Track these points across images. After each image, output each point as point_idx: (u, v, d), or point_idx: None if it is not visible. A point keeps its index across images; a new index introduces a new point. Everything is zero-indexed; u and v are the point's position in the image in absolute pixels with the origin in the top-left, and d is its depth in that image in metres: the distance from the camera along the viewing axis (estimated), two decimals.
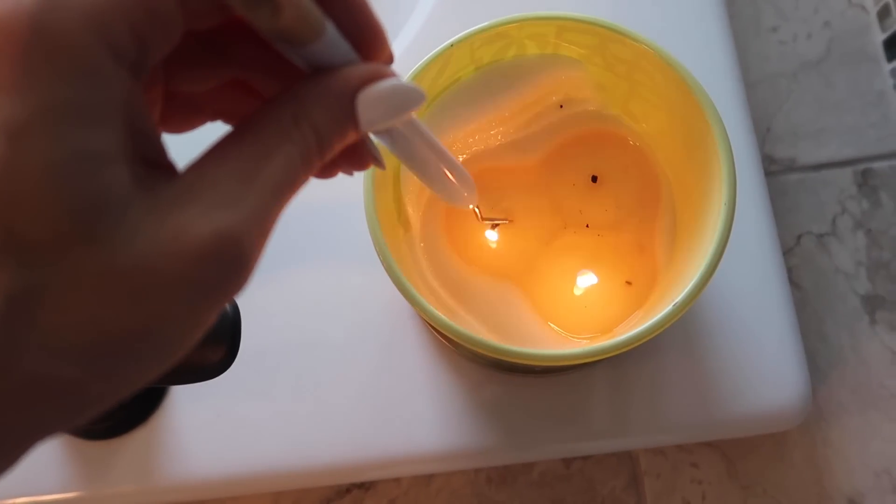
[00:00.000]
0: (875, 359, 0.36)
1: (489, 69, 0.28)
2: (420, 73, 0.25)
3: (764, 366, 0.32)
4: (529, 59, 0.28)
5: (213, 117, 0.17)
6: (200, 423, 0.33)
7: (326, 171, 0.17)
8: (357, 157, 0.17)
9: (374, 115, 0.15)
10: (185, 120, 0.17)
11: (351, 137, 0.16)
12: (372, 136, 0.18)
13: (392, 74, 0.16)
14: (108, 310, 0.12)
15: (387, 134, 0.18)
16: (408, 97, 0.16)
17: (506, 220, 0.29)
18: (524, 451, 0.33)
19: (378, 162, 0.18)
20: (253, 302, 0.32)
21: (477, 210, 0.27)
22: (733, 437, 0.34)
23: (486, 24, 0.26)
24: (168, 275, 0.13)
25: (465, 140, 0.29)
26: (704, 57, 0.36)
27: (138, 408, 0.34)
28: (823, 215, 0.38)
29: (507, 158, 0.29)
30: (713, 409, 0.32)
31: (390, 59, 0.17)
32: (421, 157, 0.19)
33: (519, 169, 0.29)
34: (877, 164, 0.38)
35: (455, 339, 0.24)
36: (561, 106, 0.29)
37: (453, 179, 0.21)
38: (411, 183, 0.28)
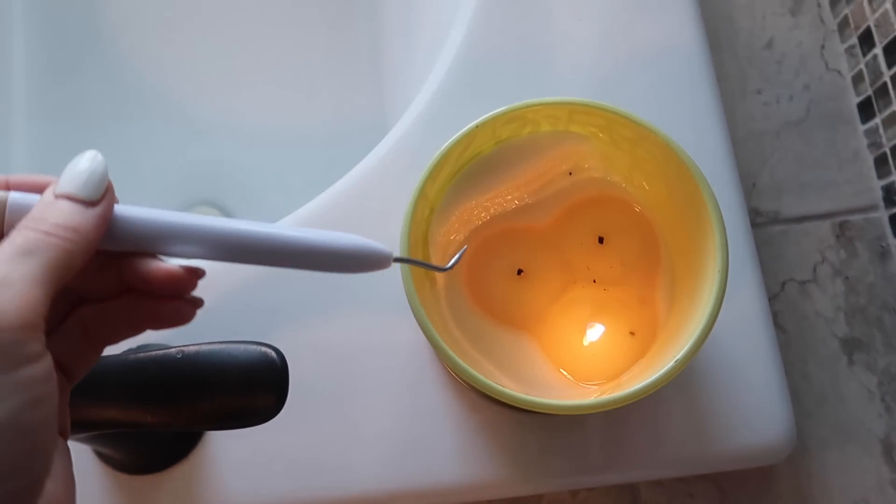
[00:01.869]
0: (853, 397, 0.39)
1: (507, 144, 0.31)
2: (449, 149, 0.29)
3: (753, 404, 0.35)
4: (543, 135, 0.31)
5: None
6: (238, 458, 0.35)
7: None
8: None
9: (84, 186, 0.19)
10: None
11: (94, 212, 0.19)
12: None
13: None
14: None
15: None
16: (96, 165, 0.20)
17: (463, 247, 0.29)
18: (534, 484, 0.36)
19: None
20: (292, 343, 0.35)
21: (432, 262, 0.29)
22: (726, 471, 0.38)
23: (506, 108, 0.29)
24: None
25: (484, 204, 0.32)
26: (696, 120, 0.39)
27: (179, 443, 0.36)
28: (805, 264, 0.41)
29: (521, 220, 0.33)
30: (707, 445, 0.35)
31: None
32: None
33: (532, 229, 0.33)
34: (853, 217, 0.42)
35: (477, 387, 0.27)
36: (570, 173, 0.33)
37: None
38: (437, 245, 0.31)
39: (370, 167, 0.38)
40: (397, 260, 0.22)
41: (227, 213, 0.74)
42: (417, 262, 0.23)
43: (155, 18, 0.75)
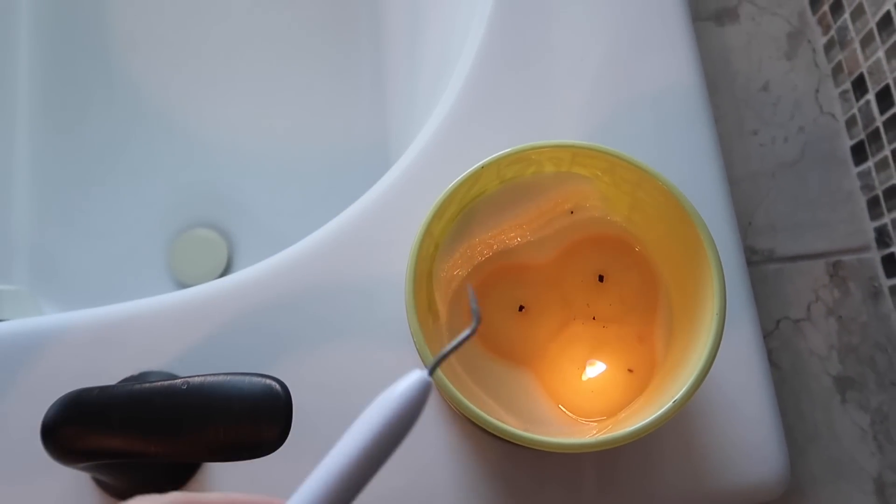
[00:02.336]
0: (846, 435, 0.40)
1: (511, 183, 0.32)
2: (455, 188, 0.30)
3: (747, 441, 0.36)
4: (546, 175, 0.32)
5: None
6: (236, 488, 0.35)
7: None
8: None
9: None
10: None
11: None
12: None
13: None
14: None
15: None
16: None
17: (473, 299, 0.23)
18: None
19: None
20: (295, 375, 0.35)
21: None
22: None
23: (512, 149, 0.30)
24: None
25: (487, 241, 0.33)
26: (694, 159, 0.40)
27: (178, 472, 0.36)
28: (799, 302, 0.42)
29: (523, 257, 0.33)
30: (701, 482, 0.35)
31: None
32: None
33: (534, 266, 0.33)
34: (846, 258, 0.43)
35: (478, 424, 0.27)
36: (571, 212, 0.33)
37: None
38: (440, 281, 0.32)
39: (376, 198, 0.39)
40: (433, 370, 0.19)
41: (226, 235, 0.74)
42: (450, 351, 0.19)
43: (161, 42, 0.76)
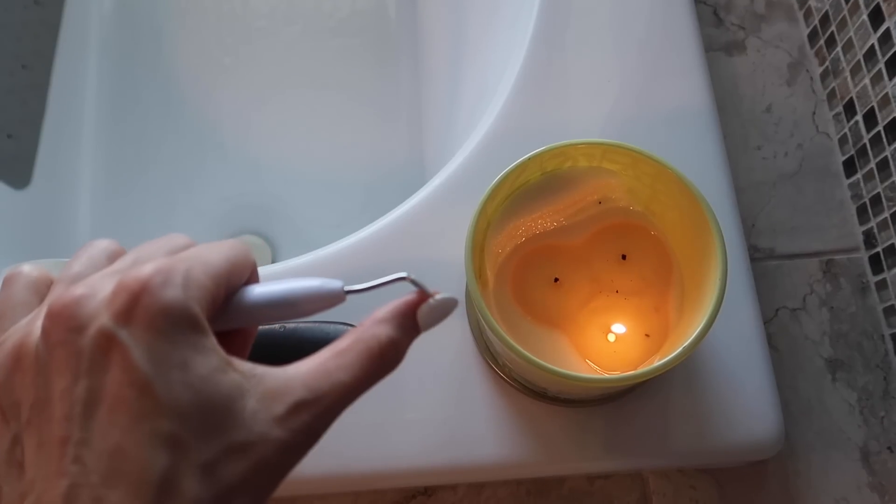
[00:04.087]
0: (836, 409, 0.45)
1: (551, 174, 0.39)
2: (506, 175, 0.36)
3: (748, 407, 0.41)
4: (580, 169, 0.38)
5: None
6: None
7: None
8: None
9: (429, 323, 0.23)
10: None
11: (412, 339, 0.23)
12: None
13: (431, 296, 0.23)
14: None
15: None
16: (448, 307, 0.23)
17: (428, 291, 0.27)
18: (557, 466, 0.42)
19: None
20: None
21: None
22: (724, 464, 0.43)
23: (552, 145, 0.36)
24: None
25: (529, 224, 0.39)
26: (705, 170, 0.46)
27: None
28: (796, 294, 0.48)
29: (558, 239, 0.40)
30: (707, 440, 0.41)
31: None
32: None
33: (567, 247, 0.40)
34: (838, 257, 0.49)
35: (521, 368, 0.33)
36: (600, 202, 0.40)
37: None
38: (490, 254, 0.38)
39: (424, 198, 0.45)
40: (349, 292, 0.23)
41: (270, 243, 0.81)
42: (375, 286, 0.24)
43: (216, 64, 0.84)
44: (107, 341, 0.18)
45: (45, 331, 0.19)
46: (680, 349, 0.33)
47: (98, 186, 0.79)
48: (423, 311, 0.23)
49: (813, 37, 0.54)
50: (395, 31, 0.83)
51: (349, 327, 0.36)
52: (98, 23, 0.85)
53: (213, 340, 0.20)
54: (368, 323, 0.22)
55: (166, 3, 0.86)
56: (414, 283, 0.24)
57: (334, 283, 0.23)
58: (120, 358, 0.18)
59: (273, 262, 0.79)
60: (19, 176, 0.74)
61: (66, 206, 0.78)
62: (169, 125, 0.81)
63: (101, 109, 0.82)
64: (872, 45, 0.46)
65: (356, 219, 0.79)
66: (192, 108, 0.82)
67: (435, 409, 0.41)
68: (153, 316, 0.18)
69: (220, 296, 0.21)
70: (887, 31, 0.44)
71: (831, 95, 0.52)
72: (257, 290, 0.22)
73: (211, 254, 0.21)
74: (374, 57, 0.83)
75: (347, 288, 0.23)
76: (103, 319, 0.18)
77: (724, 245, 0.35)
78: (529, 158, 0.36)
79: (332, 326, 0.36)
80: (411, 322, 0.23)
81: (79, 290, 0.19)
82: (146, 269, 0.19)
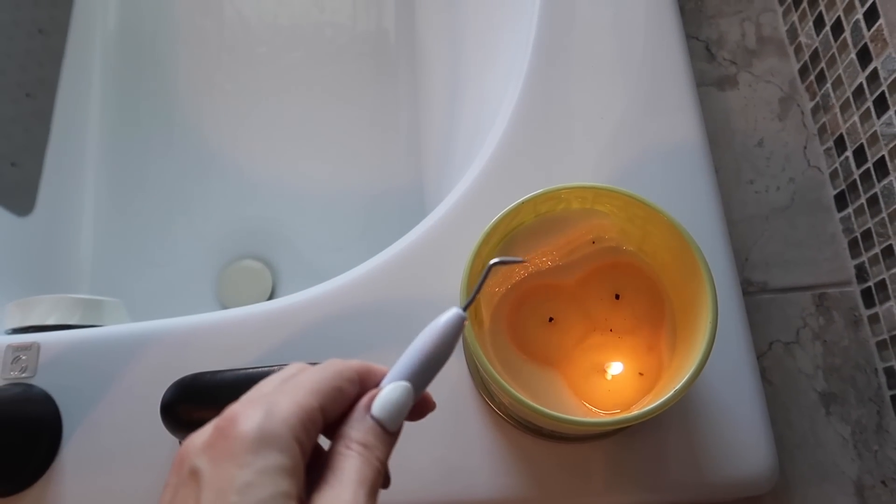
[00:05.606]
0: (830, 443, 0.46)
1: (545, 216, 0.39)
2: (500, 219, 0.37)
3: (742, 443, 0.42)
4: (573, 211, 0.39)
5: None
6: None
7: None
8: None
9: (390, 418, 0.25)
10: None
11: (391, 438, 0.25)
12: None
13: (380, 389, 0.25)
14: None
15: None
16: (405, 398, 0.25)
17: (520, 259, 0.33)
18: (554, 502, 0.42)
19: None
20: None
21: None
22: (720, 499, 0.44)
23: (546, 189, 0.37)
24: None
25: (524, 264, 0.40)
26: (697, 203, 0.47)
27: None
28: (789, 328, 0.48)
29: (553, 278, 0.40)
30: (701, 475, 0.41)
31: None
32: None
33: (562, 286, 0.40)
34: (830, 290, 0.49)
35: (516, 408, 0.34)
36: (593, 242, 0.41)
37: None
38: (485, 295, 0.39)
39: (422, 234, 0.46)
40: (466, 307, 0.27)
41: (271, 266, 0.82)
42: (477, 291, 0.28)
43: (217, 91, 0.85)
44: (192, 469, 0.22)
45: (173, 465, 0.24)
46: (671, 392, 0.33)
47: (100, 212, 0.80)
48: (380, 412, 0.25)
49: (804, 72, 0.54)
50: (395, 57, 0.84)
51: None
52: (101, 51, 0.86)
53: (291, 464, 0.22)
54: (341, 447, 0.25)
55: (169, 30, 0.87)
56: (503, 262, 0.29)
57: (453, 313, 0.26)
58: (194, 482, 0.22)
59: (273, 286, 0.80)
60: (23, 203, 0.75)
61: (69, 232, 0.79)
62: (171, 151, 0.82)
63: (103, 136, 0.83)
64: (861, 84, 0.47)
65: (357, 241, 0.80)
66: (194, 133, 0.83)
67: (432, 446, 0.42)
68: (229, 444, 0.22)
69: (315, 414, 0.23)
70: (875, 70, 0.45)
71: (822, 130, 0.53)
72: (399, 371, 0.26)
73: (303, 381, 0.24)
74: (373, 82, 0.84)
75: (464, 308, 0.27)
76: (196, 452, 0.23)
77: (715, 290, 0.35)
78: (523, 202, 0.37)
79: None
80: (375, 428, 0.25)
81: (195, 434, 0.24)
82: (236, 407, 0.23)
